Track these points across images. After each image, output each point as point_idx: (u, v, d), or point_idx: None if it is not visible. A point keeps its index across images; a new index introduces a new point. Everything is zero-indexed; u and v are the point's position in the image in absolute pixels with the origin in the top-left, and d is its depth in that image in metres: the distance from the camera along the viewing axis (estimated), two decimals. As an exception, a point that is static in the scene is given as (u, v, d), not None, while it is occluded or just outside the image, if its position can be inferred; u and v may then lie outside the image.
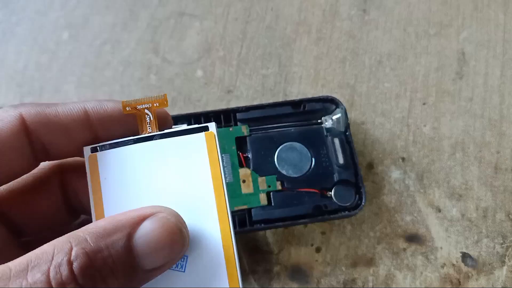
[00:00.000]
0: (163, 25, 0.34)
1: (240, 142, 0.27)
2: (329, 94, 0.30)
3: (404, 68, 0.33)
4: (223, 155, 0.27)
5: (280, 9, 0.34)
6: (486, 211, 0.29)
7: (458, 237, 0.28)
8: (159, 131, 0.17)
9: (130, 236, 0.14)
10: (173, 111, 0.31)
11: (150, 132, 0.17)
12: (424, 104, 0.32)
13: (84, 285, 0.13)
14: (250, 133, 0.28)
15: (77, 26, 0.34)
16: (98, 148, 0.17)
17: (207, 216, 0.16)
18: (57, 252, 0.13)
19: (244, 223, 0.26)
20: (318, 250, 0.28)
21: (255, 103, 0.29)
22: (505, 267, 0.28)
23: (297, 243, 0.28)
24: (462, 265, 0.28)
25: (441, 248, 0.28)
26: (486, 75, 0.33)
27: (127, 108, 0.17)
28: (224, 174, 0.17)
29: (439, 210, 0.29)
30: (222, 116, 0.28)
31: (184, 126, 0.18)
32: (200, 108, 0.31)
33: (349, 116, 0.28)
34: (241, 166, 0.27)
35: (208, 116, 0.28)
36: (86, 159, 0.17)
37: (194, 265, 0.16)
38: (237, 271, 0.16)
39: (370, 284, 0.27)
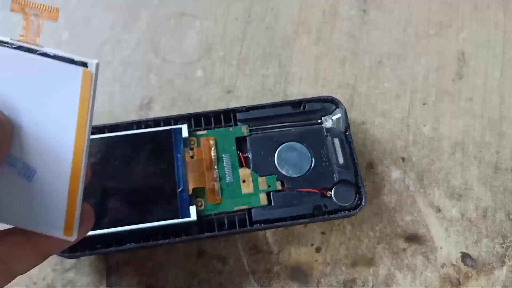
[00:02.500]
0: (163, 25, 0.34)
1: (240, 142, 0.28)
2: (329, 94, 0.30)
3: (404, 68, 0.33)
4: (223, 154, 0.27)
5: (280, 9, 0.35)
6: (486, 211, 0.29)
7: (458, 237, 0.28)
8: (39, 45, 0.15)
9: None
10: (173, 111, 0.31)
11: (29, 42, 0.15)
12: (424, 104, 0.32)
13: None
14: (250, 133, 0.28)
15: (77, 26, 0.34)
16: None
17: (60, 157, 0.15)
18: None
19: (244, 223, 0.26)
20: (318, 250, 0.28)
21: (255, 103, 0.29)
22: (505, 267, 0.28)
23: (297, 243, 0.28)
24: (462, 265, 0.28)
25: (441, 248, 0.28)
26: (486, 75, 0.33)
27: (15, 6, 0.16)
28: (90, 123, 0.15)
29: (439, 210, 0.29)
30: (222, 116, 0.28)
31: (63, 52, 0.15)
32: (200, 108, 0.31)
33: (349, 116, 0.28)
34: (241, 166, 0.27)
35: (208, 116, 0.28)
36: None
37: (39, 185, 0.15)
38: (74, 220, 0.15)
39: (370, 284, 0.27)
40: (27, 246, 0.16)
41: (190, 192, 0.25)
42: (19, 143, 0.15)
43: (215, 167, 0.26)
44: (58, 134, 0.15)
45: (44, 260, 0.17)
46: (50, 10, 0.16)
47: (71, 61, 0.15)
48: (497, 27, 0.34)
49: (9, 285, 0.27)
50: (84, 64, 0.15)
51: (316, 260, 0.28)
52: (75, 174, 0.16)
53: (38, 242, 0.16)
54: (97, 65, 0.15)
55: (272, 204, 0.26)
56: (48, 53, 0.15)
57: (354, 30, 0.34)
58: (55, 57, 0.15)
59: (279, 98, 0.32)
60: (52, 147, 0.15)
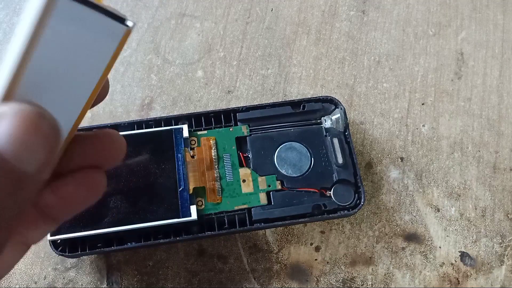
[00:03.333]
0: (164, 26, 0.34)
1: (240, 142, 0.28)
2: (328, 94, 0.30)
3: (403, 68, 0.33)
4: (223, 154, 0.27)
5: (280, 10, 0.35)
6: (485, 211, 0.29)
7: (457, 237, 0.28)
8: None
9: None
10: (173, 111, 0.31)
11: None
12: (423, 104, 0.32)
13: None
14: (250, 133, 0.28)
15: (78, 27, 0.34)
16: None
17: (71, 106, 0.15)
18: None
19: (244, 222, 0.26)
20: (317, 249, 0.28)
21: (255, 103, 0.30)
22: (504, 267, 0.28)
23: (296, 242, 0.28)
24: (461, 264, 0.28)
25: (440, 247, 0.28)
26: (485, 75, 0.33)
27: None
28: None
29: (438, 210, 0.29)
30: (222, 116, 0.28)
31: (105, 4, 0.14)
32: (200, 108, 0.31)
33: (348, 116, 0.29)
34: (241, 165, 0.27)
35: (208, 116, 0.28)
36: None
37: None
38: None
39: (369, 283, 0.27)
40: (40, 215, 0.16)
41: (191, 191, 0.25)
42: (34, 87, 0.14)
43: (216, 166, 0.27)
44: (78, 84, 0.15)
45: (57, 226, 0.17)
46: None
47: (113, 16, 0.14)
48: (496, 27, 0.34)
49: (10, 284, 0.27)
50: (123, 21, 0.14)
51: (316, 259, 0.28)
52: (78, 120, 0.16)
53: (51, 210, 0.16)
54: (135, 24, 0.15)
55: (272, 203, 0.26)
56: (94, 3, 0.14)
57: (353, 31, 0.34)
58: (101, 9, 0.14)
59: (278, 98, 0.32)
60: (69, 96, 0.15)
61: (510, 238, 0.28)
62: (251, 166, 0.27)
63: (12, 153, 0.12)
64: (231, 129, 0.28)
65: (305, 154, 0.27)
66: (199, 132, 0.27)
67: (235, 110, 0.28)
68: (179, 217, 0.25)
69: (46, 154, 0.13)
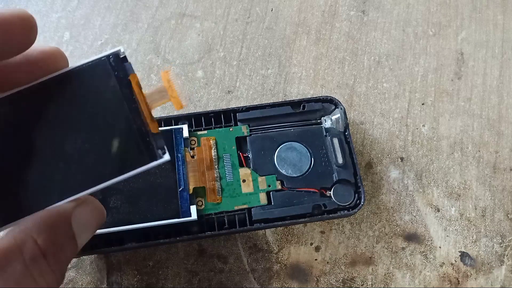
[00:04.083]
0: (163, 26, 0.34)
1: (240, 142, 0.28)
2: (328, 94, 0.30)
3: (403, 68, 0.33)
4: (223, 154, 0.27)
5: (280, 10, 0.35)
6: (485, 211, 0.29)
7: (457, 237, 0.28)
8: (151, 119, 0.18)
9: (70, 221, 0.16)
10: (173, 111, 0.31)
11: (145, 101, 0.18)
12: (423, 104, 0.32)
13: (55, 270, 0.15)
14: (250, 133, 0.28)
15: (78, 27, 0.34)
16: None
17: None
18: (23, 246, 0.14)
19: (244, 222, 0.26)
20: (317, 249, 0.28)
21: (255, 103, 0.30)
22: (504, 267, 0.28)
23: (296, 242, 0.28)
24: (461, 264, 0.28)
25: (440, 247, 0.28)
26: (485, 75, 0.33)
27: (166, 75, 0.17)
28: None
29: (438, 210, 0.29)
30: (222, 116, 0.28)
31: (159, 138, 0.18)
32: (200, 108, 0.31)
33: (348, 116, 0.29)
34: (241, 165, 0.27)
35: (208, 116, 0.28)
36: None
37: None
38: None
39: (369, 283, 0.27)
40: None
41: (191, 191, 0.25)
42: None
43: (216, 166, 0.27)
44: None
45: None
46: (179, 102, 0.17)
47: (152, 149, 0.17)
48: (496, 27, 0.34)
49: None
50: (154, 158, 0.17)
51: (316, 259, 0.28)
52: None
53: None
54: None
55: (272, 203, 0.26)
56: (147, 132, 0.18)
57: (353, 31, 0.34)
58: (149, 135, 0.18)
59: (278, 98, 0.32)
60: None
61: (510, 238, 0.28)
62: (251, 166, 0.27)
63: (79, 233, 0.16)
64: (231, 129, 0.28)
65: (305, 154, 0.27)
66: (199, 132, 0.27)
67: (235, 110, 0.28)
68: (179, 217, 0.25)
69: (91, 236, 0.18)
